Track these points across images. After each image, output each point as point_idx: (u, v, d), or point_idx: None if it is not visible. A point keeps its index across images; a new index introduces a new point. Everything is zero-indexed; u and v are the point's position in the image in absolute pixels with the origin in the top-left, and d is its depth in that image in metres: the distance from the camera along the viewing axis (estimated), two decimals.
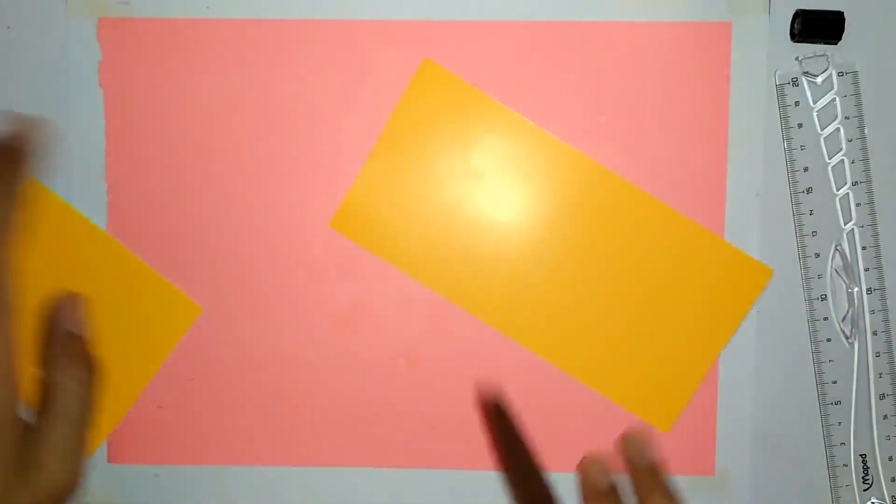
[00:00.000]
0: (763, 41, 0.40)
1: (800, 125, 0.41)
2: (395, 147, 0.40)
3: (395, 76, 0.41)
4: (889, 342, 0.41)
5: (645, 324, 0.41)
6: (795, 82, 0.41)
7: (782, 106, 0.41)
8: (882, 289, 0.41)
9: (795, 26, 0.40)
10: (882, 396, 0.41)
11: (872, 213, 0.41)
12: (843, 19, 0.40)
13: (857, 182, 0.41)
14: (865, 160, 0.41)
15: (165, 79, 0.41)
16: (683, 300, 0.41)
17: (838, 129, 0.41)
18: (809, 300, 0.41)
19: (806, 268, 0.41)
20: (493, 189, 0.41)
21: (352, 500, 0.42)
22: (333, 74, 0.41)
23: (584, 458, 0.37)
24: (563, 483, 0.41)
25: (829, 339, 0.41)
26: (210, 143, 0.41)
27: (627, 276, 0.41)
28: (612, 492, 0.36)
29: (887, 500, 0.41)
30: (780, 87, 0.41)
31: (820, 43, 0.40)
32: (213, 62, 0.40)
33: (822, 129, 0.41)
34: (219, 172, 0.41)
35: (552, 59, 0.41)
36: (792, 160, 0.41)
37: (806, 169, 0.41)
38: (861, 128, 0.41)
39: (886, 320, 0.41)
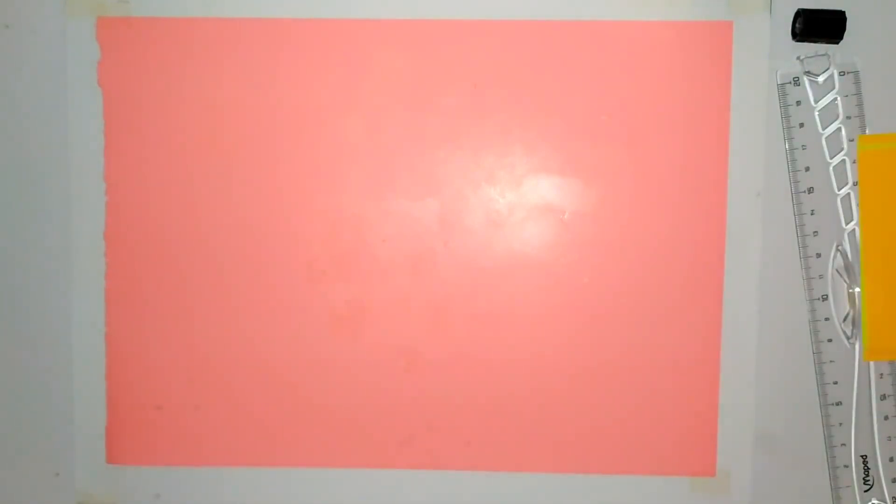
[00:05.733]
0: (764, 40, 0.40)
1: (801, 125, 0.41)
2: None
3: (395, 76, 0.41)
4: None
5: None
6: (797, 82, 0.40)
7: (784, 105, 0.41)
8: None
9: (797, 26, 0.40)
10: (883, 397, 0.41)
11: None
12: (845, 19, 0.40)
13: (858, 182, 0.41)
14: None
15: (164, 78, 0.40)
16: None
17: (839, 129, 0.41)
18: (811, 300, 0.41)
19: (807, 268, 0.41)
20: None
21: (351, 501, 0.42)
22: (333, 74, 0.40)
23: None
24: (559, 483, 0.42)
25: (829, 340, 0.41)
26: (209, 142, 0.41)
27: None
28: None
29: (888, 501, 0.41)
30: (781, 87, 0.40)
31: (821, 42, 0.40)
32: (211, 61, 0.40)
33: (824, 129, 0.41)
34: (218, 172, 0.41)
35: (552, 58, 0.41)
36: (793, 160, 0.41)
37: (807, 169, 0.41)
38: (862, 127, 0.40)
39: None
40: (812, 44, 0.40)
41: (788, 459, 0.41)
